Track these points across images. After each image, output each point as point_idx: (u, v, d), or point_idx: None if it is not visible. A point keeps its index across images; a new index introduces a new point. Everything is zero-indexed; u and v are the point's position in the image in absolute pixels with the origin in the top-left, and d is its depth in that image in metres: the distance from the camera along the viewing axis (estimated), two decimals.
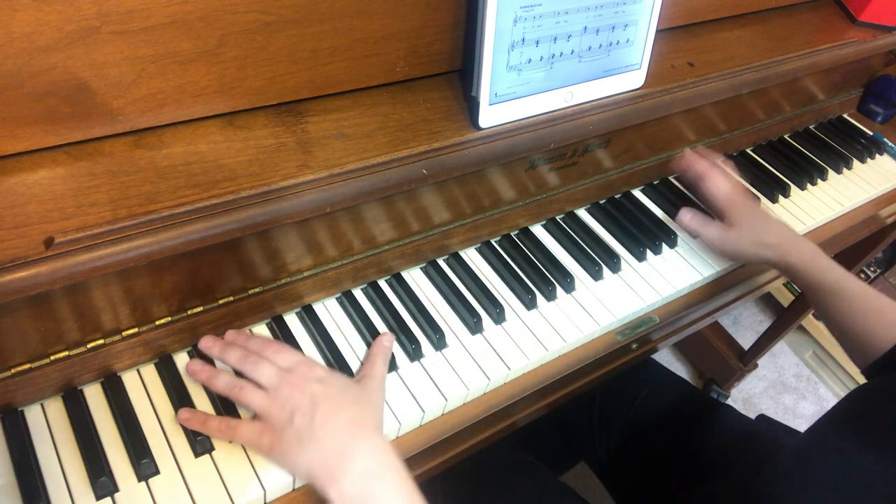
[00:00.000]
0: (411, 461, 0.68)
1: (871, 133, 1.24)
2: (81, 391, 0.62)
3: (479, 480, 0.88)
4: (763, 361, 1.91)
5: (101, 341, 0.61)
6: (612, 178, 0.93)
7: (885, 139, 1.23)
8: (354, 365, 0.69)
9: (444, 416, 0.70)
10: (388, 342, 0.70)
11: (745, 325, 2.07)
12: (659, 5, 0.77)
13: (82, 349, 0.60)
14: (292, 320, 0.72)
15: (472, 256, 0.83)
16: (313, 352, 0.70)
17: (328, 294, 0.74)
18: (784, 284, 1.95)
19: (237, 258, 0.64)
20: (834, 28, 1.08)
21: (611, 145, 0.88)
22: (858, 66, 1.17)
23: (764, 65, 0.94)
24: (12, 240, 0.50)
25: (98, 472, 0.56)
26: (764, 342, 1.71)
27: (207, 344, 0.64)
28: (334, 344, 0.70)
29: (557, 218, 0.91)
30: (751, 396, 1.89)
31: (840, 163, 1.14)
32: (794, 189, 1.07)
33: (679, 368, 1.93)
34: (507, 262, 0.83)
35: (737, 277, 0.93)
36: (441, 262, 0.81)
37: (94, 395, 0.62)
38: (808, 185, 1.09)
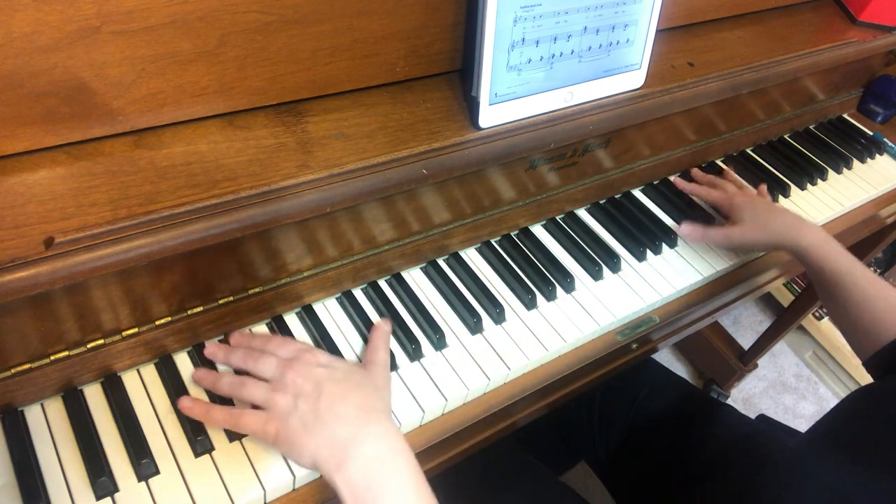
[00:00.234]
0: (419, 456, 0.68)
1: (871, 133, 1.24)
2: (81, 391, 0.62)
3: (479, 480, 0.88)
4: (763, 361, 1.91)
5: (101, 341, 0.61)
6: (613, 178, 0.93)
7: (885, 139, 1.23)
8: None
9: (444, 416, 0.70)
10: (388, 326, 0.70)
11: (745, 325, 2.07)
12: (659, 5, 0.77)
13: (82, 349, 0.60)
14: (292, 320, 0.72)
15: (472, 256, 0.83)
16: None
17: (328, 294, 0.74)
18: (784, 284, 1.95)
19: (237, 258, 0.64)
20: (834, 28, 1.08)
21: (611, 145, 0.88)
22: (858, 66, 1.17)
23: (764, 65, 0.94)
24: (12, 240, 0.50)
25: (98, 472, 0.56)
26: (764, 342, 1.71)
27: (212, 350, 0.64)
28: (334, 344, 0.70)
29: (557, 218, 0.91)
30: (751, 396, 1.89)
31: (840, 163, 1.14)
32: (794, 189, 1.07)
33: (679, 368, 1.93)
34: (507, 262, 0.83)
35: (737, 277, 0.93)
36: (441, 262, 0.81)
37: (94, 395, 0.62)
38: (808, 185, 1.09)
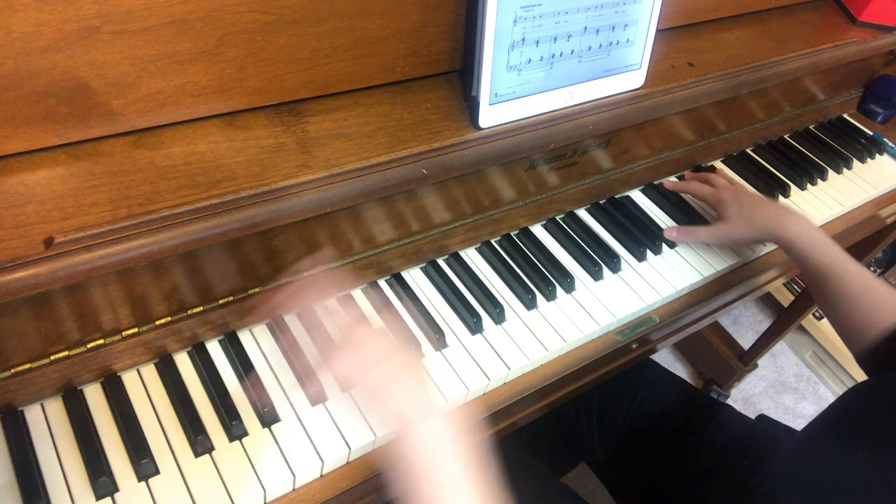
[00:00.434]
0: None
1: (871, 133, 1.24)
2: (81, 391, 0.62)
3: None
4: (763, 361, 1.91)
5: (101, 341, 0.61)
6: (613, 177, 0.93)
7: (885, 139, 1.23)
8: None
9: None
10: None
11: (745, 325, 2.06)
12: (659, 5, 0.77)
13: (82, 349, 0.60)
14: (292, 320, 0.72)
15: (472, 256, 0.83)
16: (313, 352, 0.70)
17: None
18: (784, 284, 1.95)
19: (237, 258, 0.64)
20: (834, 28, 1.08)
21: (611, 145, 0.88)
22: (858, 66, 1.17)
23: (764, 65, 0.94)
24: (12, 240, 0.50)
25: (98, 472, 0.56)
26: (764, 342, 1.71)
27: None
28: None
29: (557, 218, 0.91)
30: (751, 396, 1.89)
31: (840, 163, 1.14)
32: (794, 189, 1.07)
33: (679, 368, 1.93)
34: (507, 262, 0.83)
35: (737, 277, 0.93)
36: (441, 262, 0.81)
37: (94, 395, 0.62)
38: (808, 185, 1.09)
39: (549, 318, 0.78)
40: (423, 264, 0.81)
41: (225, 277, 0.65)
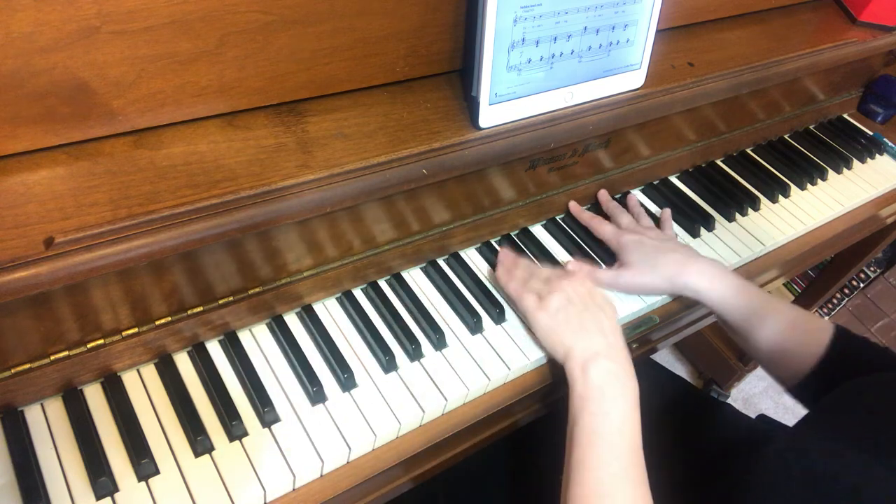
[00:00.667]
0: (411, 461, 0.68)
1: (871, 133, 1.24)
2: (81, 391, 0.62)
3: (478, 481, 0.88)
4: None
5: (101, 341, 0.61)
6: (612, 178, 0.93)
7: (885, 139, 1.23)
8: (354, 364, 0.69)
9: (444, 415, 0.70)
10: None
11: None
12: (659, 5, 0.77)
13: (82, 349, 0.60)
14: (292, 320, 0.72)
15: (472, 256, 0.83)
16: (313, 352, 0.70)
17: (328, 294, 0.74)
18: (784, 284, 1.95)
19: (237, 258, 0.64)
20: (834, 28, 1.08)
21: (611, 145, 0.88)
22: (858, 66, 1.17)
23: (764, 65, 0.94)
24: (12, 240, 0.50)
25: (98, 472, 0.56)
26: None
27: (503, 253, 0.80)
28: (334, 344, 0.70)
29: (557, 218, 0.91)
30: (751, 396, 1.89)
31: (840, 163, 1.14)
32: (794, 189, 1.07)
33: (679, 368, 1.93)
34: None
35: None
36: (441, 262, 0.81)
37: (94, 395, 0.62)
38: (808, 185, 1.09)
39: None
40: (424, 264, 0.81)
41: (225, 277, 0.65)
